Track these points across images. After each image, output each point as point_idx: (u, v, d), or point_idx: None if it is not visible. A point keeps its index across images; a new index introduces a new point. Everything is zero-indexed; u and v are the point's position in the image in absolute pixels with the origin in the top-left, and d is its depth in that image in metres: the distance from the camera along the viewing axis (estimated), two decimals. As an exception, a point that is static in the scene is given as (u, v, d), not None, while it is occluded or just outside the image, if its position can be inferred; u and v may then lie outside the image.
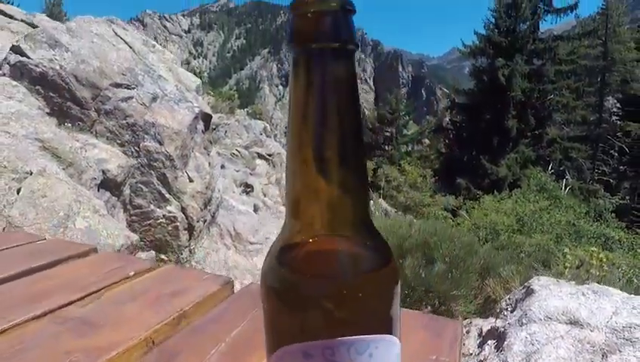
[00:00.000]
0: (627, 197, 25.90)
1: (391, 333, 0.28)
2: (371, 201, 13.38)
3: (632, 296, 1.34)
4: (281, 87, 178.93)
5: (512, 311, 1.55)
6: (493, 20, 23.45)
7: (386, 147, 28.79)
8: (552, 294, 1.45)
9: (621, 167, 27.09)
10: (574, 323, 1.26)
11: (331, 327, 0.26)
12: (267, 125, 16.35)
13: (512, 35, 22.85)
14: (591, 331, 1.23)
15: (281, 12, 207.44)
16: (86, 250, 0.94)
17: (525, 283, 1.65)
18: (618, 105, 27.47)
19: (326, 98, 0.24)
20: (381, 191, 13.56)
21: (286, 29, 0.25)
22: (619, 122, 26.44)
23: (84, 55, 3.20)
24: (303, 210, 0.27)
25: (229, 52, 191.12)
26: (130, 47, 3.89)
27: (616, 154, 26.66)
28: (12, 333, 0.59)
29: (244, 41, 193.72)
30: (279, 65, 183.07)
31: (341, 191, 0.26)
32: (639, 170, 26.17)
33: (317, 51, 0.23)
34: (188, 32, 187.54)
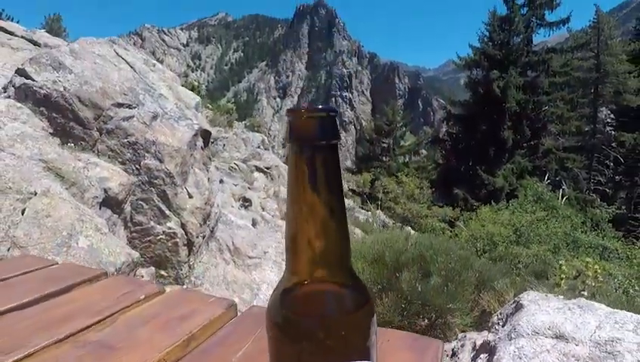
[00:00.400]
0: (623, 207, 26.04)
1: (368, 359, 0.35)
2: (369, 212, 13.45)
3: (615, 310, 1.41)
4: (278, 100, 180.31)
5: (502, 326, 1.61)
6: (487, 34, 23.90)
7: (384, 158, 28.94)
8: (540, 309, 1.52)
9: (617, 177, 27.30)
10: (560, 337, 1.32)
11: (321, 356, 0.33)
12: (265, 138, 16.47)
13: (506, 47, 23.28)
14: (576, 345, 1.30)
15: (279, 25, 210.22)
16: (97, 274, 1.00)
17: (515, 298, 1.71)
18: (612, 115, 27.83)
19: (316, 180, 0.32)
20: (379, 203, 13.62)
21: (287, 129, 0.33)
22: (613, 132, 26.76)
23: (87, 76, 3.30)
24: (299, 263, 0.35)
25: (226, 65, 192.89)
26: (132, 67, 3.99)
27: (612, 164, 26.90)
28: (37, 357, 0.65)
29: (242, 54, 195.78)
30: (277, 78, 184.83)
31: (327, 248, 0.34)
32: (635, 180, 26.38)
33: (309, 146, 0.31)
34: (186, 45, 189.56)
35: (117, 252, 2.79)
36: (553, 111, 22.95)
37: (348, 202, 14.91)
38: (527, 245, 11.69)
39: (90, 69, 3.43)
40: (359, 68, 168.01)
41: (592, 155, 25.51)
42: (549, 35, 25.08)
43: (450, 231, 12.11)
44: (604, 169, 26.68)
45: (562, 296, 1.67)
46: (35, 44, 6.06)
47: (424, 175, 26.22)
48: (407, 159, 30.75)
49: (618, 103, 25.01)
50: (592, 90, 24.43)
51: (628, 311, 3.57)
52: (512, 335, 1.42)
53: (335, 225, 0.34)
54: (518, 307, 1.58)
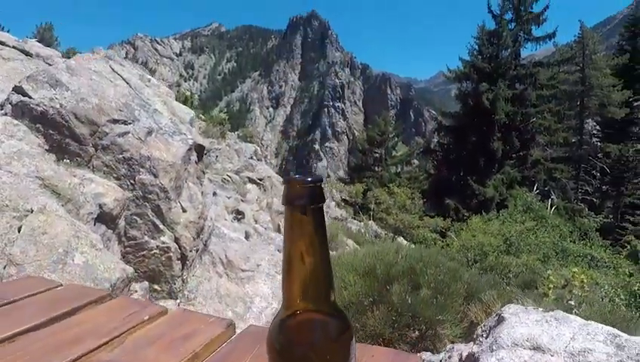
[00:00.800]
0: (611, 216, 26.53)
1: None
2: (362, 223, 13.54)
3: (589, 322, 1.50)
4: (271, 109, 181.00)
5: (486, 337, 1.69)
6: (476, 47, 24.47)
7: (376, 168, 29.15)
8: (520, 321, 1.60)
9: (603, 187, 27.85)
10: (537, 348, 1.40)
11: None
12: (258, 148, 16.55)
13: (495, 61, 23.84)
14: (551, 356, 1.38)
15: (272, 36, 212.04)
16: (102, 296, 1.06)
17: (498, 311, 1.80)
18: (598, 127, 28.51)
19: (306, 235, 0.41)
20: (371, 213, 13.72)
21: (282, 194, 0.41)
22: (599, 144, 27.38)
23: (83, 93, 3.36)
24: (292, 298, 0.43)
25: (219, 75, 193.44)
26: (127, 83, 4.07)
27: (598, 174, 27.45)
28: (54, 376, 0.71)
29: (235, 64, 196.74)
30: (270, 88, 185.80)
31: (314, 287, 0.43)
32: (621, 190, 26.93)
33: (301, 209, 0.40)
34: (179, 55, 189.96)
35: (112, 268, 2.83)
36: (541, 122, 23.45)
37: (340, 212, 14.98)
38: (517, 254, 11.85)
39: (87, 85, 3.50)
40: (352, 79, 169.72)
41: (579, 166, 26.03)
42: (536, 49, 25.75)
43: (442, 242, 12.23)
44: (591, 179, 27.22)
45: (542, 309, 1.76)
46: (26, 54, 6.10)
47: (416, 185, 26.47)
48: (399, 169, 31.02)
49: (603, 115, 25.68)
50: (578, 103, 25.05)
51: (612, 320, 3.69)
52: (494, 347, 1.50)
53: (320, 269, 0.42)
54: (500, 319, 1.67)
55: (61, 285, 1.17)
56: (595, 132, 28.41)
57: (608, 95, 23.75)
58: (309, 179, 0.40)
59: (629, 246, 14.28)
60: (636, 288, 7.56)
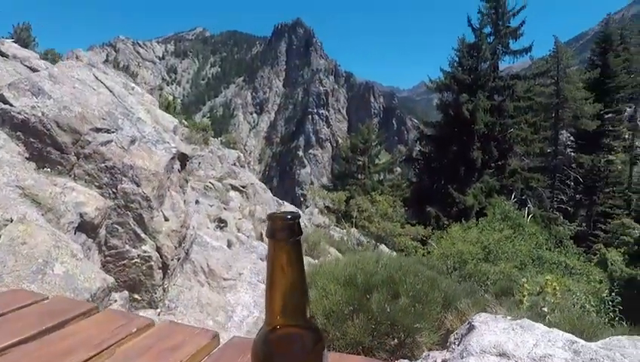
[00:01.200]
0: (584, 224, 27.50)
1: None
2: (344, 230, 13.64)
3: (550, 329, 1.61)
4: (255, 115, 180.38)
5: (457, 345, 1.79)
6: (457, 59, 25.16)
7: (359, 176, 29.39)
8: (489, 329, 1.71)
9: (577, 196, 28.88)
10: (503, 355, 1.50)
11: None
12: (241, 154, 16.49)
13: (475, 73, 24.56)
14: (516, 362, 1.48)
15: (257, 42, 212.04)
16: (90, 309, 1.10)
17: (469, 320, 1.90)
18: (572, 138, 29.64)
19: (285, 263, 0.48)
20: (354, 221, 13.85)
21: (266, 228, 0.48)
22: (573, 154, 28.44)
23: (66, 101, 3.35)
24: (274, 315, 0.51)
25: (203, 79, 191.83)
26: (111, 91, 4.06)
27: (572, 183, 28.47)
28: (47, 387, 0.76)
29: (219, 69, 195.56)
30: (254, 94, 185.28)
31: (292, 306, 0.50)
32: (593, 199, 27.98)
33: (282, 241, 0.48)
34: (162, 58, 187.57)
35: (92, 278, 2.82)
36: (518, 133, 24.20)
37: (324, 219, 15.06)
38: (495, 262, 12.16)
39: (70, 93, 3.49)
40: (336, 86, 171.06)
41: (554, 175, 26.93)
42: (514, 62, 26.65)
43: (423, 250, 12.45)
44: (566, 188, 28.19)
45: (510, 317, 1.87)
46: (2, 55, 5.97)
47: (398, 193, 26.82)
48: (381, 177, 31.37)
49: (577, 127, 26.72)
50: (553, 115, 25.99)
51: (580, 326, 3.86)
52: (464, 354, 1.59)
53: (297, 291, 0.50)
54: (471, 328, 1.76)
55: (47, 298, 1.20)
56: (569, 143, 29.51)
57: (581, 107, 24.75)
58: (289, 217, 0.48)
59: (598, 254, 14.84)
60: (605, 294, 7.89)
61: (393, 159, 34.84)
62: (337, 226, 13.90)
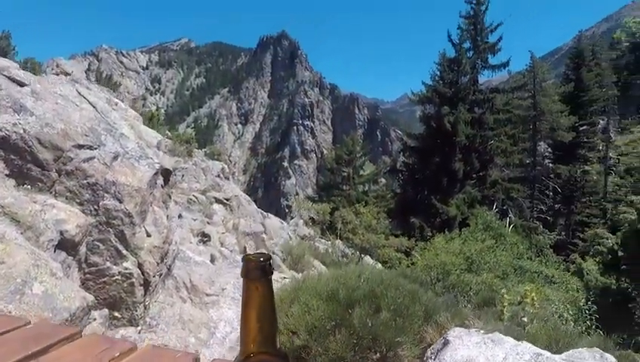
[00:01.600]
0: (563, 233, 28.25)
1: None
2: (329, 242, 13.68)
3: (519, 342, 1.70)
4: (240, 126, 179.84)
5: (433, 359, 1.86)
6: (438, 73, 25.83)
7: (344, 187, 29.55)
8: (462, 344, 1.78)
9: (556, 205, 29.72)
10: (475, 369, 1.58)
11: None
12: (225, 166, 16.42)
13: (455, 86, 25.23)
14: (487, 376, 1.56)
15: (242, 54, 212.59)
16: (73, 333, 1.13)
17: (444, 334, 1.97)
18: (549, 149, 30.62)
19: (258, 299, 0.54)
20: (338, 232, 13.91)
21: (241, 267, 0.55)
22: (551, 165, 29.36)
23: (48, 118, 3.34)
24: (247, 344, 0.57)
25: (187, 90, 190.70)
26: (94, 107, 4.06)
27: (551, 193, 29.31)
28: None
29: (204, 80, 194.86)
30: (239, 104, 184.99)
31: (263, 336, 0.56)
32: (571, 208, 28.83)
33: (255, 281, 0.54)
34: (146, 68, 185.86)
35: (71, 297, 2.79)
36: (498, 145, 24.85)
37: (308, 231, 15.06)
38: (478, 272, 12.37)
39: (52, 110, 3.48)
40: (321, 98, 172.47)
41: (533, 185, 27.69)
42: (492, 76, 27.53)
43: (406, 261, 12.57)
44: (545, 198, 28.99)
45: (483, 331, 1.95)
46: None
47: (383, 203, 27.08)
48: (366, 188, 31.61)
49: (553, 139, 27.66)
50: (531, 127, 26.84)
51: (555, 336, 3.98)
52: (439, 369, 1.67)
53: (268, 323, 0.57)
54: (446, 342, 1.84)
55: (29, 323, 1.22)
56: (547, 154, 30.46)
57: (557, 120, 25.66)
58: (262, 259, 0.54)
59: (575, 264, 15.26)
60: (582, 304, 8.14)
61: (378, 170, 35.19)
62: (322, 238, 13.93)
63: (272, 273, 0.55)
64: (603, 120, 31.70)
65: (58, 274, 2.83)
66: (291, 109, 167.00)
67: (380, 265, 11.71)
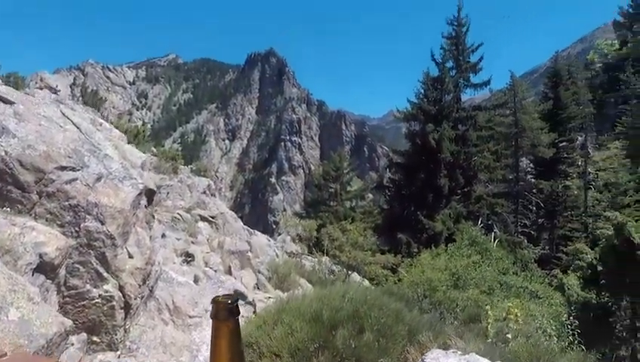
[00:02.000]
0: (547, 247, 28.71)
1: None
2: (315, 260, 13.61)
3: (494, 365, 1.75)
4: (227, 142, 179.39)
5: (413, 383, 1.89)
6: (422, 91, 26.47)
7: (331, 203, 29.64)
8: (440, 366, 1.82)
9: (539, 220, 30.28)
10: (451, 392, 1.61)
11: None
12: (211, 182, 16.32)
13: (439, 104, 25.86)
14: (463, 398, 1.60)
15: (230, 70, 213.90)
16: (48, 367, 1.13)
17: (422, 357, 2.01)
18: (531, 165, 31.38)
19: (226, 339, 0.58)
20: (325, 250, 13.88)
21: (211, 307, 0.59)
22: (533, 180, 30.03)
23: (30, 140, 3.32)
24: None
25: (175, 105, 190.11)
26: (78, 128, 4.05)
27: (534, 208, 29.89)
28: None
29: (192, 95, 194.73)
30: (226, 120, 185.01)
31: None
32: (554, 223, 29.40)
33: (223, 322, 0.58)
34: (132, 83, 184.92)
35: (49, 322, 2.74)
36: (482, 161, 25.39)
37: (295, 247, 14.99)
38: (464, 288, 12.43)
39: (35, 131, 3.46)
40: (308, 114, 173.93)
41: (517, 201, 28.21)
42: (475, 94, 28.32)
43: (393, 278, 12.58)
44: (528, 213, 29.53)
45: (460, 352, 2.00)
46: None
47: (370, 219, 27.21)
48: (354, 203, 31.75)
49: (535, 154, 28.39)
50: (513, 143, 27.54)
51: (536, 353, 4.04)
52: (417, 392, 1.69)
53: (236, 359, 0.60)
54: (424, 365, 1.88)
55: (5, 354, 1.22)
56: (529, 169, 31.18)
57: (538, 136, 26.42)
58: (229, 302, 0.59)
59: (556, 279, 15.50)
60: (564, 319, 8.25)
61: (365, 186, 35.46)
62: (309, 255, 13.87)
63: (239, 313, 0.59)
64: (581, 136, 32.72)
65: (35, 298, 2.78)
66: (279, 125, 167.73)
67: (367, 281, 11.70)
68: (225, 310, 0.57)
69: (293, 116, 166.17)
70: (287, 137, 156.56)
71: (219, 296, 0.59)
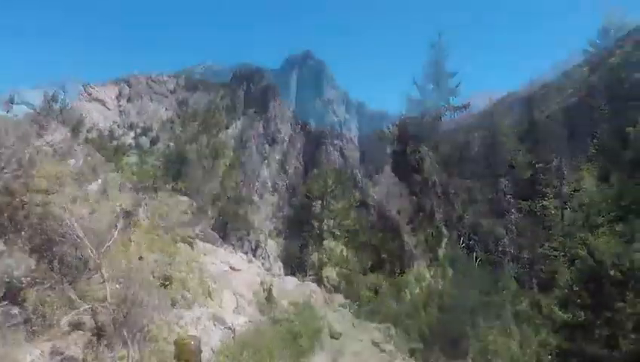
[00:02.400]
0: (527, 266, 29.12)
1: None
2: (299, 280, 13.41)
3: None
4: (267, 146, 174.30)
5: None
6: (404, 113, 27.15)
7: (315, 223, 29.45)
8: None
9: (519, 240, 30.76)
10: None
11: None
12: (193, 202, 15.99)
13: (420, 126, 26.50)
14: None
15: (266, 74, 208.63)
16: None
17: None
18: (510, 185, 32.11)
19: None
20: (307, 270, 13.75)
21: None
22: (512, 200, 30.70)
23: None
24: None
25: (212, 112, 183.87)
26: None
27: (514, 227, 30.41)
28: None
29: (229, 102, 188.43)
30: (265, 125, 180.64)
31: None
32: (533, 242, 29.91)
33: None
34: (173, 92, 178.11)
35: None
36: (462, 181, 25.93)
37: (279, 265, 14.77)
38: (448, 310, 12.40)
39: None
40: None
41: (497, 220, 28.68)
42: (455, 117, 29.17)
43: (375, 299, 12.50)
44: (508, 232, 30.01)
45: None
46: None
47: (356, 238, 27.14)
48: (337, 222, 31.58)
49: (513, 175, 29.13)
50: (491, 164, 28.29)
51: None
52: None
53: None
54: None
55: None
56: (507, 190, 31.88)
57: (515, 157, 27.23)
58: (192, 343, 0.62)
59: (535, 298, 15.72)
60: (542, 338, 8.34)
61: (350, 204, 35.45)
62: (292, 275, 13.69)
63: (202, 352, 0.60)
64: (556, 158, 33.81)
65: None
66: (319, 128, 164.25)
67: (348, 301, 11.52)
68: (185, 352, 0.59)
69: (334, 118, 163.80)
70: (328, 140, 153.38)
71: (181, 337, 0.61)
